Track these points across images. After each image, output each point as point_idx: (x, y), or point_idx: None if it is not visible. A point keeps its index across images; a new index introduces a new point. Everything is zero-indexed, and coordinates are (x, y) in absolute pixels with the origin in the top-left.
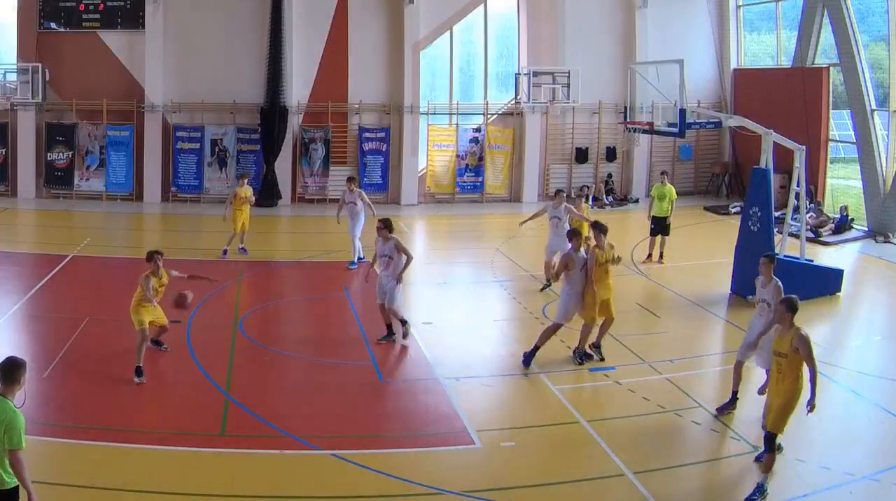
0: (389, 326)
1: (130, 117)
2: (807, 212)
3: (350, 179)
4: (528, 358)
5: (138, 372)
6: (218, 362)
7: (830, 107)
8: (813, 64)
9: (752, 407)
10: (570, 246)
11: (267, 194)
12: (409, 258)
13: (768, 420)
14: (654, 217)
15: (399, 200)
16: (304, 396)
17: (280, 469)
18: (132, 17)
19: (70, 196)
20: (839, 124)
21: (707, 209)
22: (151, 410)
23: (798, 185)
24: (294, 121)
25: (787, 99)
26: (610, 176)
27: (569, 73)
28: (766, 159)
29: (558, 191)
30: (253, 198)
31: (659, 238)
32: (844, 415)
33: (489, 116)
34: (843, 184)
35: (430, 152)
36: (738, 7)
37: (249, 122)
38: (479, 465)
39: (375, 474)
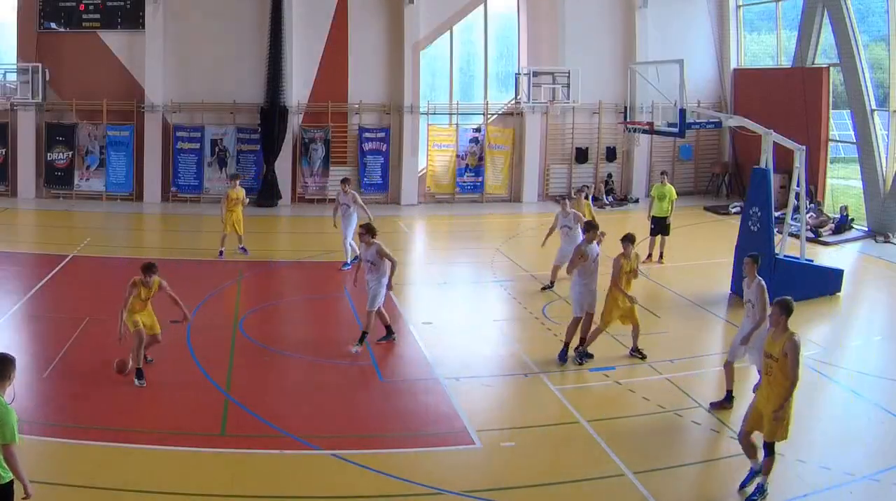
0: (388, 326)
1: (130, 117)
2: (807, 212)
3: (344, 181)
4: (562, 355)
5: (139, 374)
6: (218, 362)
7: (830, 107)
8: (813, 64)
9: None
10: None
11: (267, 194)
12: (394, 263)
13: (764, 429)
14: (654, 217)
15: (399, 200)
16: (304, 396)
17: (280, 469)
18: (132, 17)
19: (70, 196)
20: (839, 124)
21: (707, 209)
22: (151, 410)
23: (798, 185)
24: (294, 121)
25: (787, 99)
26: (610, 176)
27: (569, 73)
28: (766, 159)
29: (563, 199)
30: (246, 199)
31: (659, 238)
32: (844, 415)
33: (489, 116)
34: (843, 184)
35: (430, 152)
36: (738, 7)
37: (249, 122)
38: (479, 465)
39: (375, 474)
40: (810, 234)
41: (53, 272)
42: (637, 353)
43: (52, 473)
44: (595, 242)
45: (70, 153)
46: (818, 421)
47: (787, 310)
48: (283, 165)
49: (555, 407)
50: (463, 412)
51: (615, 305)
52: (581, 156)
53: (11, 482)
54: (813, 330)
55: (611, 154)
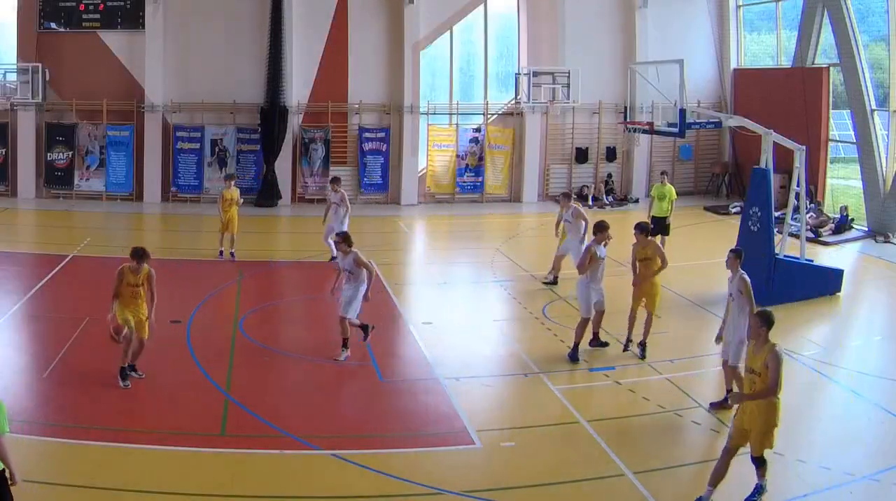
0: (365, 326)
1: (130, 117)
2: (807, 212)
3: (333, 180)
4: (573, 355)
5: (123, 374)
6: (218, 362)
7: (830, 107)
8: (813, 64)
9: None
10: (581, 243)
11: (267, 194)
12: (371, 272)
13: (751, 445)
14: (653, 217)
15: (399, 200)
16: (304, 396)
17: (280, 469)
18: (132, 17)
19: (70, 196)
20: (839, 124)
21: (707, 209)
22: (151, 410)
23: (798, 185)
24: (294, 121)
25: (787, 99)
26: (610, 176)
27: (569, 73)
28: (766, 159)
29: (563, 195)
30: (241, 200)
31: (659, 238)
32: (844, 415)
33: (489, 116)
34: (843, 184)
35: (430, 152)
36: (738, 7)
37: (249, 122)
38: (479, 465)
39: (375, 474)
40: (810, 234)
41: (53, 272)
42: (642, 349)
43: (52, 473)
44: (603, 244)
45: (70, 153)
46: (818, 421)
47: (767, 322)
48: (283, 165)
49: (555, 407)
50: (463, 412)
51: (650, 291)
52: (581, 156)
53: (3, 471)
54: (813, 330)
55: (611, 154)
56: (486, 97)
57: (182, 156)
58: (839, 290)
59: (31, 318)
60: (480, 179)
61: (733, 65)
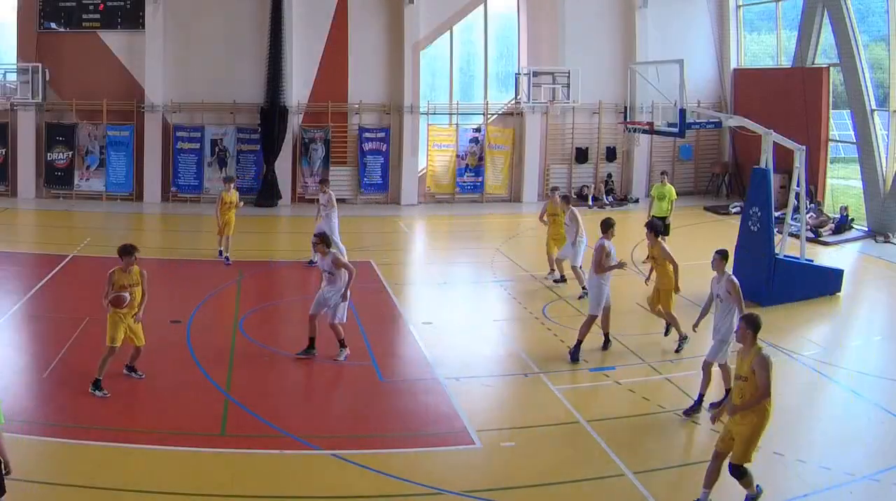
0: (312, 340)
1: (130, 117)
2: (807, 212)
3: (322, 181)
4: (574, 354)
5: (97, 385)
6: (218, 362)
7: (830, 107)
8: (813, 64)
9: None
10: (573, 246)
11: (267, 194)
12: (350, 272)
13: (734, 452)
14: (653, 217)
15: (399, 200)
16: (304, 396)
17: (280, 469)
18: (132, 17)
19: (70, 196)
20: (839, 124)
21: (707, 209)
22: (151, 410)
23: (798, 185)
24: (294, 121)
25: (787, 99)
26: (610, 176)
27: (569, 73)
28: (766, 159)
29: (563, 199)
30: (240, 203)
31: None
32: (844, 415)
33: (489, 116)
34: (843, 184)
35: (430, 152)
36: (738, 7)
37: (249, 122)
38: (479, 465)
39: (375, 474)
40: (810, 234)
41: (53, 272)
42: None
43: (52, 473)
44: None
45: (70, 153)
46: (818, 421)
47: (753, 326)
48: (283, 165)
49: (555, 407)
50: (463, 412)
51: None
52: (581, 156)
53: None
54: (813, 330)
55: (611, 154)
56: (486, 97)
57: (182, 156)
58: (839, 290)
59: (31, 318)
60: (480, 179)
61: (733, 65)
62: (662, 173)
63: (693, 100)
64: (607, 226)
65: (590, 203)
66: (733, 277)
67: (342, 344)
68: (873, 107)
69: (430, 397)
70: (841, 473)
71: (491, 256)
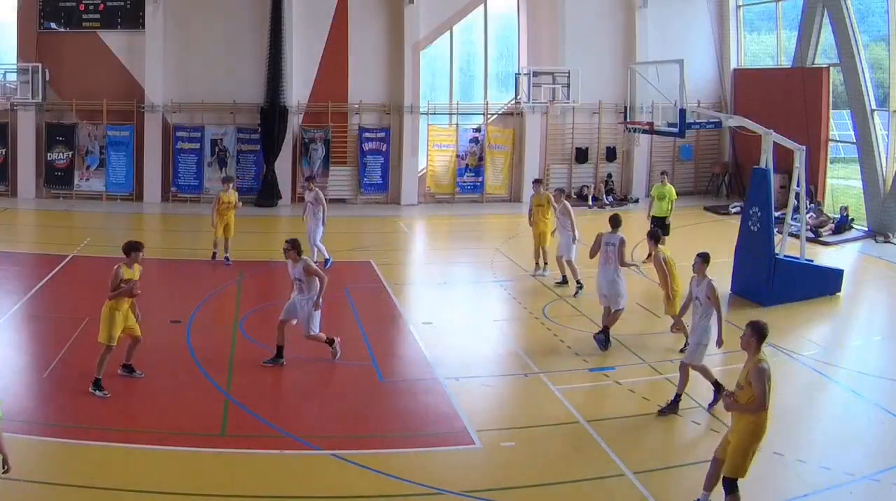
0: (280, 348)
1: (130, 117)
2: (807, 212)
3: (308, 178)
4: (604, 341)
5: (97, 384)
6: (218, 362)
7: (830, 107)
8: (813, 64)
9: None
10: (572, 240)
11: (267, 194)
12: (323, 280)
13: (726, 462)
14: (653, 217)
15: (399, 200)
16: (304, 396)
17: (280, 469)
18: (132, 17)
19: (70, 196)
20: (839, 124)
21: (707, 209)
22: (151, 410)
23: (798, 185)
24: (294, 121)
25: (787, 99)
26: (610, 176)
27: (569, 73)
28: (766, 159)
29: (557, 191)
30: (239, 203)
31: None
32: (844, 415)
33: (489, 116)
34: (843, 184)
35: (430, 152)
36: (738, 7)
37: (249, 122)
38: (479, 465)
39: (375, 474)
40: (810, 234)
41: (53, 272)
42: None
43: (52, 473)
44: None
45: (70, 153)
46: (818, 421)
47: (759, 334)
48: (283, 165)
49: (555, 407)
50: (463, 412)
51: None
52: (581, 156)
53: None
54: (813, 330)
55: (611, 154)
56: (486, 97)
57: (182, 156)
58: (839, 290)
59: (31, 318)
60: (480, 179)
61: (733, 65)
62: (662, 173)
63: (693, 100)
64: (620, 221)
65: (590, 203)
66: (713, 282)
67: (330, 343)
68: (873, 107)
69: (430, 397)
70: (841, 473)
71: (491, 256)
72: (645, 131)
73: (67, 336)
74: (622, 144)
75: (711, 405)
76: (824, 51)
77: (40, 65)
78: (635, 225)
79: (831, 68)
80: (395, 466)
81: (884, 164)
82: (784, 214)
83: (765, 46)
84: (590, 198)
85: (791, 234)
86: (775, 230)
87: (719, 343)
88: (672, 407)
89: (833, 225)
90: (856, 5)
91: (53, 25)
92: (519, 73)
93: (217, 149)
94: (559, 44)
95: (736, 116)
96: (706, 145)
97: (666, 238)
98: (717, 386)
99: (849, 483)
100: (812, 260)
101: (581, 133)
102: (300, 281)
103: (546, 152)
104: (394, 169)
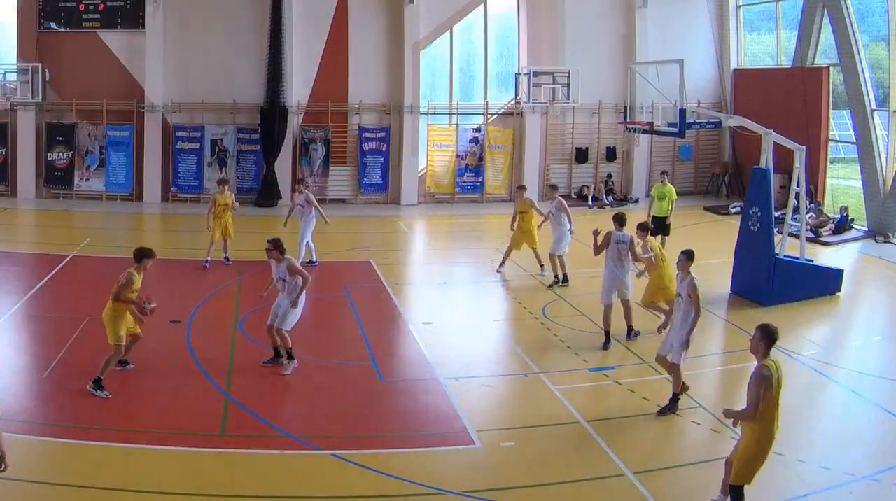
0: (277, 349)
1: (130, 117)
2: (807, 212)
3: (299, 181)
4: (633, 334)
5: (98, 384)
6: (218, 362)
7: (830, 107)
8: (813, 64)
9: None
10: (567, 233)
11: (267, 194)
12: (305, 279)
13: (732, 469)
14: (653, 217)
15: (399, 200)
16: (304, 396)
17: (280, 469)
18: (132, 17)
19: (70, 196)
20: (839, 124)
21: (707, 209)
22: (151, 410)
23: (798, 185)
24: (294, 121)
25: (787, 99)
26: (610, 176)
27: (569, 73)
28: (766, 159)
29: (550, 187)
30: (236, 204)
31: (659, 238)
32: (844, 415)
33: (489, 116)
34: (843, 184)
35: (430, 152)
36: (738, 7)
37: (249, 122)
38: (479, 465)
39: (375, 474)
40: (810, 234)
41: (53, 272)
42: None
43: (52, 473)
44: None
45: (70, 153)
46: (818, 421)
47: (768, 338)
48: (283, 165)
49: (555, 406)
50: (463, 412)
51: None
52: (581, 156)
53: None
54: (813, 330)
55: (611, 154)
56: (486, 97)
57: (182, 156)
58: (839, 290)
59: (31, 318)
60: (480, 179)
61: (733, 65)
62: (662, 173)
63: (693, 100)
64: (625, 220)
65: (590, 203)
66: (695, 280)
67: (290, 356)
68: (873, 107)
69: (430, 397)
70: (841, 473)
71: (491, 256)
72: (645, 131)
73: (67, 336)
74: (622, 144)
75: (663, 411)
76: (824, 51)
77: (40, 65)
78: (636, 225)
79: (831, 68)
80: (395, 466)
81: (884, 164)
82: (784, 214)
83: (765, 46)
84: (590, 198)
85: (791, 234)
86: (775, 230)
87: (661, 328)
88: (671, 407)
89: (833, 225)
90: (856, 5)
91: (53, 25)
92: (519, 73)
93: (217, 149)
94: (559, 44)
95: (736, 116)
96: (706, 145)
97: (666, 238)
98: (676, 397)
99: (849, 483)
100: (812, 261)
101: (581, 133)
102: (284, 281)
103: (546, 152)
104: (394, 169)
